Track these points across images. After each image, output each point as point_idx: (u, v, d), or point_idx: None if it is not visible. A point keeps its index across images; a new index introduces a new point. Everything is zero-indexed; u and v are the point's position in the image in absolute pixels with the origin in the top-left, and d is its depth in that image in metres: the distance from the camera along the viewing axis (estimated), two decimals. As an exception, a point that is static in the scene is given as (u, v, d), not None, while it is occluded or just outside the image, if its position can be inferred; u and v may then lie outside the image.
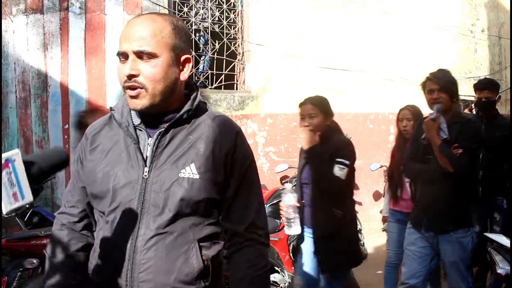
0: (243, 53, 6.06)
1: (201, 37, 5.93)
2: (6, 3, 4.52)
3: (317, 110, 3.11)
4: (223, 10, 5.91)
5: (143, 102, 1.38)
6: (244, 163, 1.51)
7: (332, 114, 3.19)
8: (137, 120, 1.47)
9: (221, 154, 1.45)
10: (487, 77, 5.06)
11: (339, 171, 2.96)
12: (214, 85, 5.87)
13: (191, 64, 1.49)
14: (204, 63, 5.96)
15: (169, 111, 1.45)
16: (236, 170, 1.49)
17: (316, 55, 6.39)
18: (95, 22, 5.02)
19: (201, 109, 1.51)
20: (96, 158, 1.48)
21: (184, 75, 1.46)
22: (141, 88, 1.37)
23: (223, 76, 5.90)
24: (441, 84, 3.01)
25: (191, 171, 1.40)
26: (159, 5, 5.30)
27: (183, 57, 1.45)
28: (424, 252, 3.11)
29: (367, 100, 6.75)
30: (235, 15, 6.04)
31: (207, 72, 5.88)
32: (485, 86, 4.02)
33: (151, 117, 1.45)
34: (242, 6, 6.08)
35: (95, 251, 1.48)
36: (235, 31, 6.04)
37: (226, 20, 5.93)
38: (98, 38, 5.04)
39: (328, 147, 3.03)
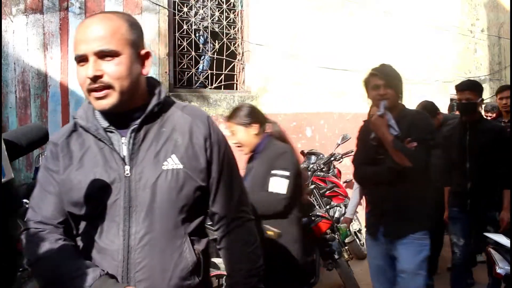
0: (243, 53, 6.06)
1: (201, 37, 5.93)
2: (6, 3, 4.52)
3: (234, 125, 2.81)
4: (223, 10, 5.91)
5: (110, 101, 1.35)
6: (221, 146, 1.53)
7: (261, 122, 2.87)
8: (105, 123, 1.44)
9: (199, 141, 1.46)
10: (487, 77, 4.95)
11: (276, 185, 2.64)
12: (214, 85, 5.87)
13: (151, 59, 1.48)
14: (204, 63, 5.95)
15: (134, 108, 1.43)
16: (215, 154, 1.50)
17: (316, 55, 6.39)
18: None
19: (167, 102, 1.51)
20: (70, 166, 1.43)
21: (146, 70, 1.45)
22: (108, 88, 1.34)
23: (223, 76, 5.90)
24: (386, 79, 2.86)
25: (173, 162, 1.40)
26: (159, 5, 5.30)
27: (142, 52, 1.44)
28: (388, 264, 2.94)
29: (367, 100, 6.75)
30: (235, 15, 6.04)
31: (207, 72, 5.88)
32: (466, 87, 3.81)
33: (117, 118, 1.43)
34: (242, 6, 6.08)
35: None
36: (235, 31, 6.04)
37: (226, 20, 5.93)
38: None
39: (262, 161, 2.76)
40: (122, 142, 1.42)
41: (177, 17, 5.53)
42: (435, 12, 7.63)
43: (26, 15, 4.65)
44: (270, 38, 6.04)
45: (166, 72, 5.30)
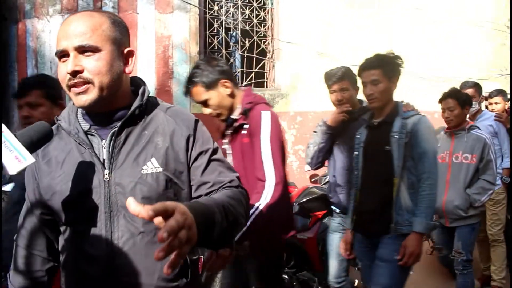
0: (273, 51, 6.06)
1: (231, 36, 5.96)
2: (43, 3, 4.64)
3: None
4: (253, 8, 5.93)
5: (90, 97, 1.33)
6: (204, 146, 1.46)
7: None
8: (86, 126, 1.42)
9: (180, 143, 1.42)
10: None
11: None
12: (244, 83, 5.89)
13: (134, 57, 1.45)
14: (234, 61, 5.99)
15: (117, 109, 1.41)
16: (197, 152, 1.44)
17: (346, 52, 6.33)
18: (127, 21, 5.09)
19: (151, 103, 1.48)
20: (52, 171, 1.41)
21: (129, 68, 1.43)
22: (88, 83, 1.32)
23: (253, 74, 5.92)
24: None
25: (153, 166, 1.37)
26: (190, 4, 5.35)
27: (125, 50, 1.42)
28: None
29: (400, 98, 6.65)
30: (265, 13, 6.04)
31: (237, 70, 5.91)
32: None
33: (99, 119, 1.42)
34: (272, 4, 6.08)
35: (67, 263, 1.44)
36: (265, 29, 6.04)
37: (256, 18, 5.94)
38: (130, 37, 5.12)
39: None
40: (102, 146, 1.40)
41: (207, 16, 5.58)
42: (468, 8, 7.45)
43: (62, 15, 4.77)
44: (300, 35, 6.02)
45: (196, 70, 5.34)
